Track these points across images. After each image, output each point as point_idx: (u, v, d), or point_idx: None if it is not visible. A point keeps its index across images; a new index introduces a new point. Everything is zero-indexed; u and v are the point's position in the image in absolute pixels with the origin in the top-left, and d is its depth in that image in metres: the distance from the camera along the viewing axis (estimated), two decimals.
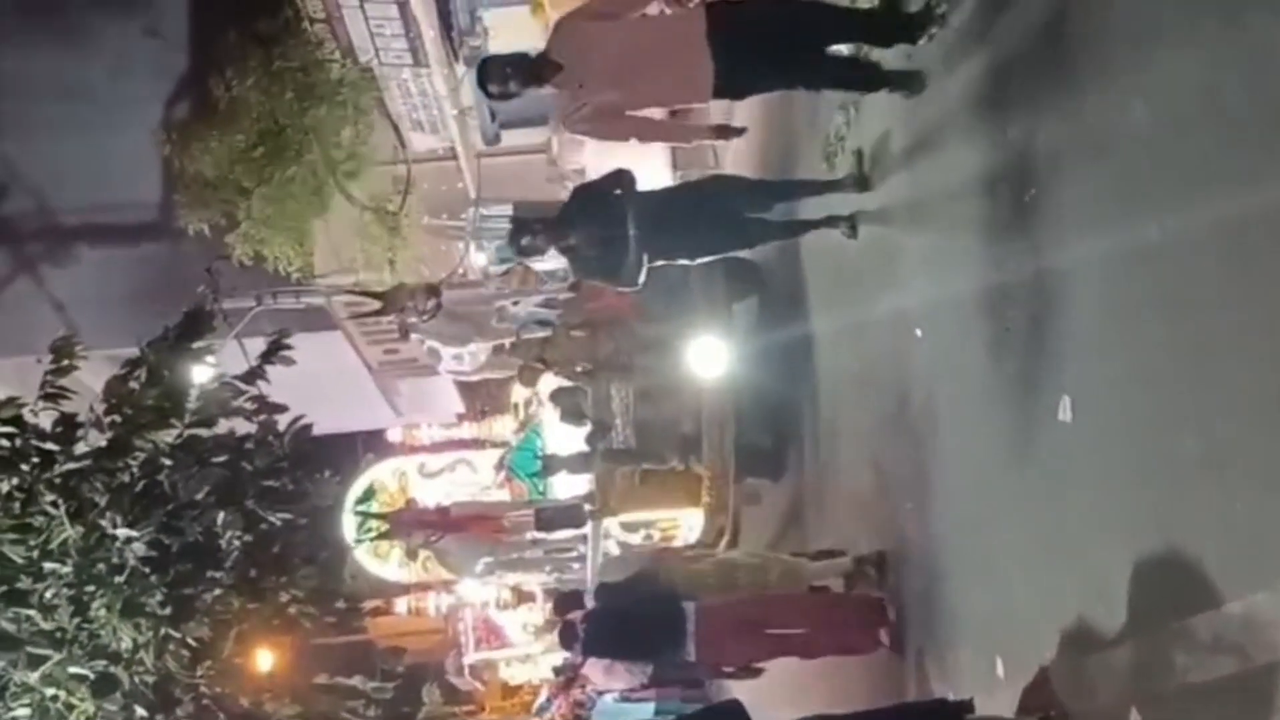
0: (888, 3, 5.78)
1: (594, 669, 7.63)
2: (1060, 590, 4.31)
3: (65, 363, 8.43)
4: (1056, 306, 4.26)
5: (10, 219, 17.15)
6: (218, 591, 8.59)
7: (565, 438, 11.29)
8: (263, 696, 9.18)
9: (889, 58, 5.76)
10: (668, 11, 7.43)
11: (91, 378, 9.35)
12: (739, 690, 7.44)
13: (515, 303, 9.95)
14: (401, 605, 17.69)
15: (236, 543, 8.60)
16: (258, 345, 9.44)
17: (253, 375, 8.92)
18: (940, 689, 5.79)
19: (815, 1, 5.70)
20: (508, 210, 13.84)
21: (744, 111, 10.63)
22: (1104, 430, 3.95)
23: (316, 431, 9.19)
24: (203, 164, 13.92)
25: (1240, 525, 3.13)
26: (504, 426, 17.34)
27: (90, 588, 8.16)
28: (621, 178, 6.56)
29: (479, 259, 15.16)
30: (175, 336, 8.89)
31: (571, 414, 9.90)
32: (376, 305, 10.50)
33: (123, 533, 8.08)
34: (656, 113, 5.99)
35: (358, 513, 13.84)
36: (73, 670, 8.12)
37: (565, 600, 8.61)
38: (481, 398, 18.68)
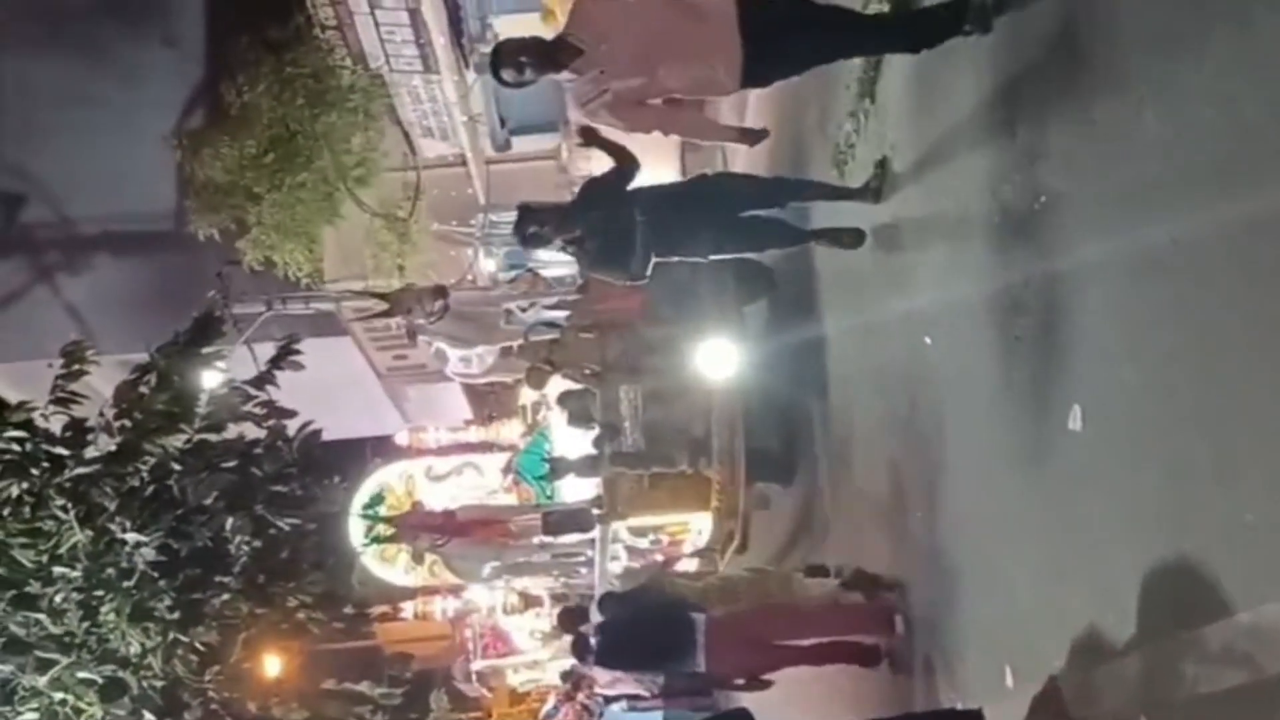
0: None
1: (599, 673, 7.65)
2: (1070, 599, 4.30)
3: (76, 367, 8.45)
4: (1067, 315, 4.25)
5: (25, 224, 17.24)
6: (226, 596, 8.60)
7: (573, 441, 11.18)
8: (270, 701, 9.18)
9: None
10: None
11: (102, 382, 9.37)
12: (748, 699, 7.44)
13: (524, 309, 9.92)
14: (408, 609, 17.63)
15: (245, 548, 8.61)
16: (267, 350, 9.46)
17: (262, 380, 8.94)
18: (949, 698, 5.77)
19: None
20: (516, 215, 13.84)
21: (753, 119, 10.64)
22: (1114, 439, 3.94)
23: (325, 437, 9.22)
24: (213, 170, 13.97)
25: (1251, 534, 3.12)
26: (512, 430, 17.31)
27: (99, 592, 8.18)
28: (629, 170, 6.42)
29: (488, 265, 15.19)
30: (185, 341, 8.91)
31: (579, 417, 9.82)
32: (383, 307, 10.48)
33: (132, 537, 8.10)
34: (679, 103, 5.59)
35: (364, 516, 13.79)
36: (81, 675, 8.14)
37: (569, 615, 8.65)
38: (490, 404, 18.69)
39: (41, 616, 8.14)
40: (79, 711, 8.22)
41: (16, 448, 8.20)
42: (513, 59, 5.19)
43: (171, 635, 8.28)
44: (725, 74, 5.04)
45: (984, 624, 5.36)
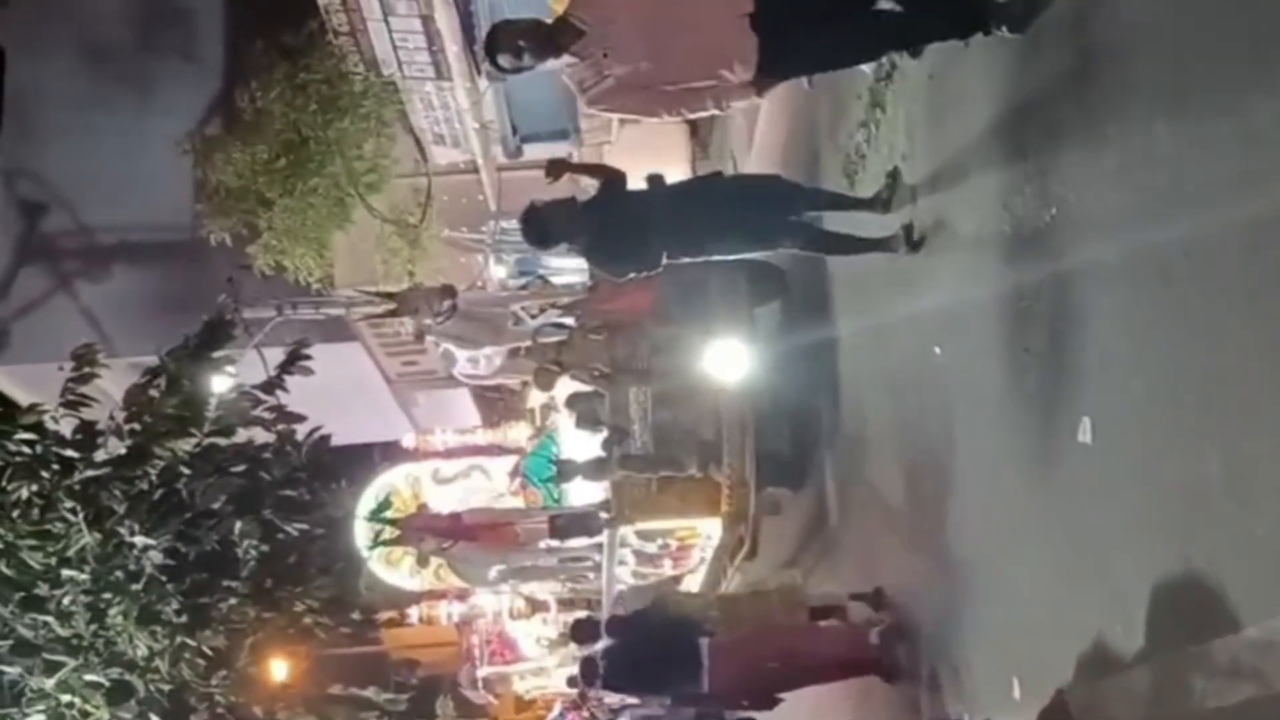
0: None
1: (608, 695, 7.69)
2: (1078, 611, 4.29)
3: (86, 370, 8.48)
4: (1077, 326, 4.24)
5: (40, 228, 17.33)
6: (233, 601, 8.62)
7: (581, 444, 10.94)
8: (276, 706, 9.19)
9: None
10: None
11: (113, 385, 9.41)
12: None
13: (534, 315, 9.88)
14: (413, 613, 17.60)
15: (253, 552, 8.62)
16: (277, 355, 9.48)
17: (271, 385, 8.96)
18: (956, 710, 5.76)
19: None
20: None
21: (764, 128, 10.66)
22: (1124, 452, 3.93)
23: (334, 442, 9.23)
24: (225, 174, 14.01)
25: (1260, 549, 3.11)
26: (519, 433, 17.27)
27: (107, 595, 8.20)
28: (616, 183, 6.19)
29: (498, 271, 15.21)
30: (195, 345, 8.94)
31: (587, 419, 9.64)
32: (390, 306, 10.42)
33: (140, 540, 8.13)
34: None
35: (370, 519, 13.74)
36: (88, 677, 8.17)
37: (582, 626, 8.69)
38: (499, 410, 18.70)
39: (49, 619, 8.16)
40: (86, 714, 8.24)
41: (27, 450, 8.23)
42: (510, 43, 4.93)
43: (179, 639, 8.30)
44: (738, 59, 4.75)
45: (991, 635, 5.34)
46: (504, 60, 4.95)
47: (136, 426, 8.57)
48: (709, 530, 10.29)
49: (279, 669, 9.28)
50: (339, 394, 13.70)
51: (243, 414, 8.82)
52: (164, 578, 8.27)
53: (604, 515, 10.31)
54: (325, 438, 9.04)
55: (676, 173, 12.38)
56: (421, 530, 12.03)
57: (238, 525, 8.50)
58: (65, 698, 8.21)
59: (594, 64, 4.90)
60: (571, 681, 13.56)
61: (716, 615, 7.78)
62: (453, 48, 14.26)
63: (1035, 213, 4.52)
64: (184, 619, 8.31)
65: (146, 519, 8.15)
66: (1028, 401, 4.72)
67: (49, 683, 8.14)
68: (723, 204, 6.26)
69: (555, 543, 11.56)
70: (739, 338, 7.91)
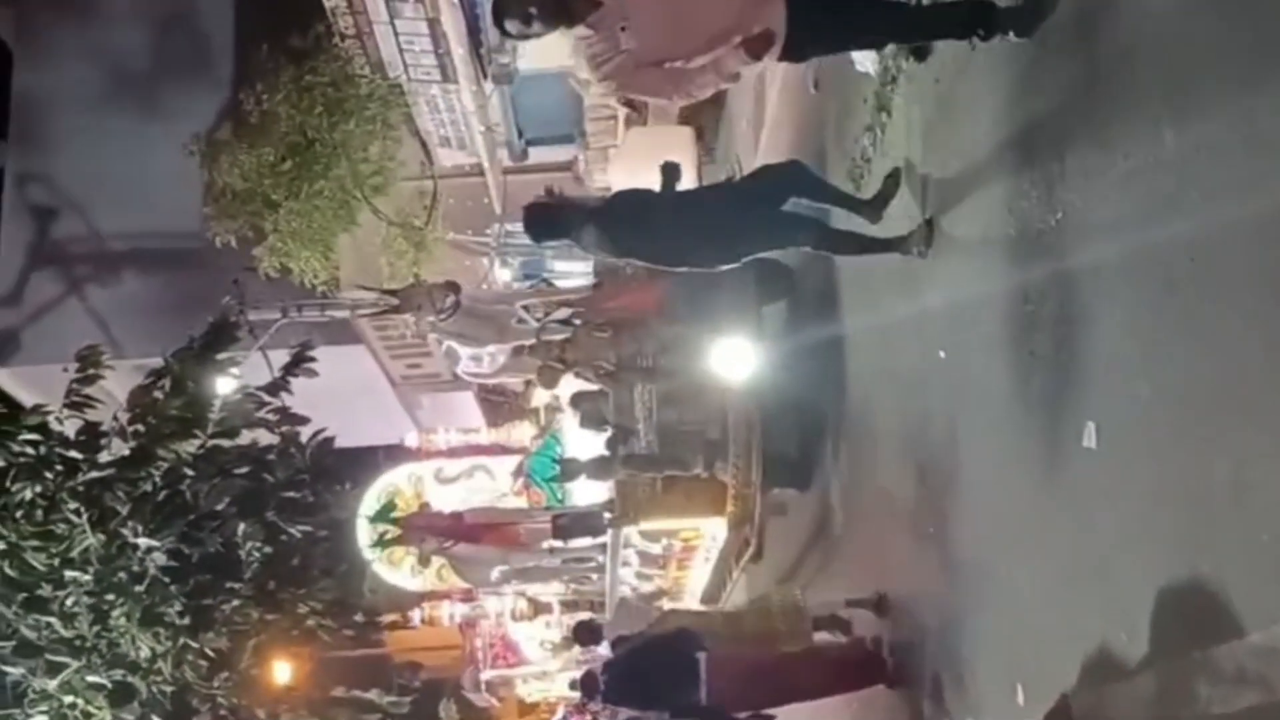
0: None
1: (609, 709, 7.74)
2: (1082, 617, 4.27)
3: (91, 371, 8.49)
4: (1082, 331, 4.23)
5: (47, 230, 17.38)
6: (236, 602, 8.63)
7: (586, 444, 10.81)
8: (279, 708, 9.20)
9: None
10: None
11: (118, 387, 9.42)
12: None
13: (539, 318, 9.80)
14: (415, 616, 17.57)
15: (256, 554, 8.63)
16: (282, 357, 9.48)
17: (276, 387, 8.96)
18: (960, 716, 5.74)
19: None
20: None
21: (771, 129, 10.65)
22: (1129, 457, 3.92)
23: (338, 444, 9.23)
24: (231, 177, 14.02)
25: (1265, 554, 3.10)
26: (523, 432, 17.22)
27: (110, 596, 8.21)
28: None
29: (503, 274, 15.21)
30: (200, 347, 8.94)
31: (592, 419, 9.52)
32: (393, 303, 10.32)
33: (143, 542, 8.14)
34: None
35: (374, 520, 13.69)
36: (91, 679, 8.18)
37: (585, 629, 8.71)
38: (503, 413, 18.68)
39: (53, 620, 8.18)
40: (88, 715, 8.26)
41: (31, 451, 8.25)
42: (519, 9, 4.65)
43: (181, 640, 8.31)
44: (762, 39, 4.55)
45: (995, 641, 5.33)
46: (511, 26, 4.72)
47: (140, 428, 8.58)
48: (714, 531, 10.10)
49: (282, 671, 9.28)
50: (343, 396, 13.70)
51: (247, 416, 8.83)
52: (167, 579, 8.28)
53: (608, 515, 10.18)
54: (329, 440, 9.05)
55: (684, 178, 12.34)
56: (423, 530, 11.92)
57: (241, 527, 8.51)
58: (68, 699, 8.22)
59: (609, 37, 4.66)
60: (574, 685, 13.56)
61: (719, 631, 7.79)
62: (459, 50, 14.28)
63: (1041, 216, 4.52)
64: (187, 620, 8.32)
65: (150, 520, 8.16)
66: (1032, 406, 4.71)
67: (52, 684, 8.15)
68: (735, 207, 6.19)
69: (558, 543, 11.46)
70: (746, 336, 7.80)
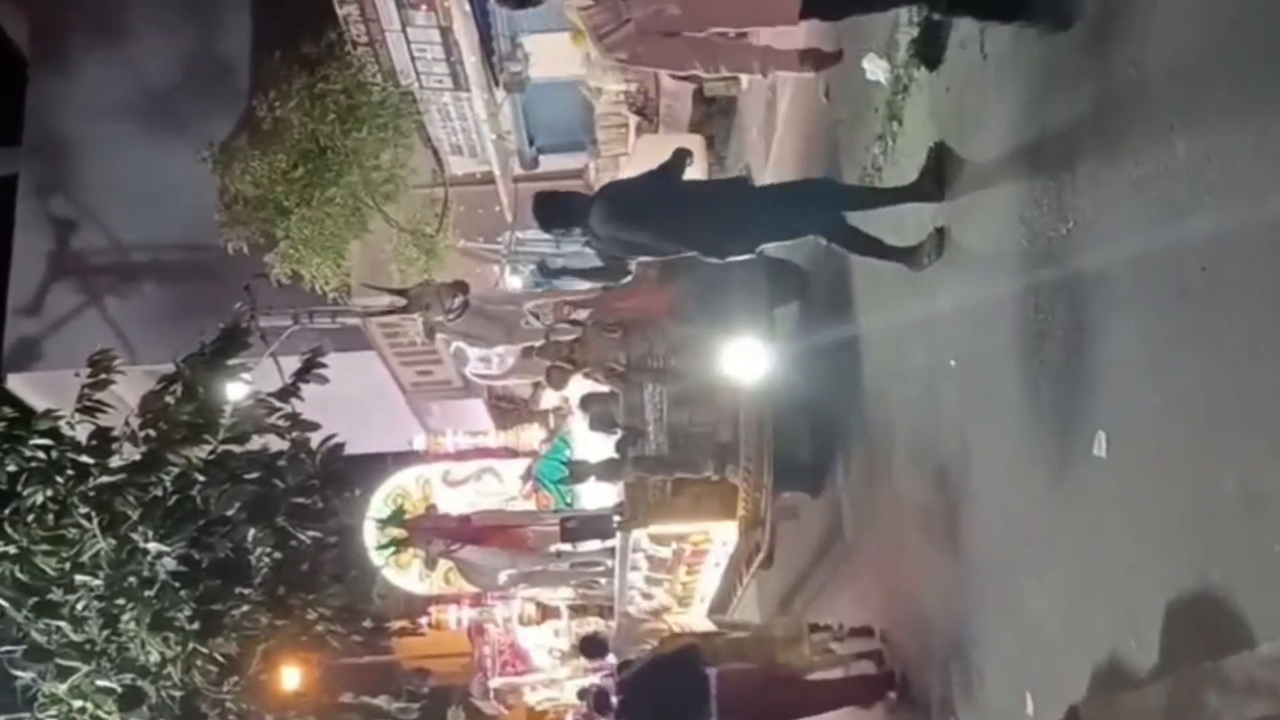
0: None
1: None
2: (1093, 626, 4.26)
3: (102, 376, 8.51)
4: (1092, 340, 4.23)
5: (62, 238, 17.47)
6: (246, 608, 8.63)
7: (595, 447, 10.62)
8: (288, 714, 9.20)
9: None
10: None
11: (130, 392, 9.44)
12: None
13: (549, 326, 9.77)
14: (424, 621, 17.52)
15: (266, 559, 8.64)
16: (293, 364, 9.49)
17: (287, 393, 8.97)
18: None
19: None
20: (544, 235, 13.82)
21: (778, 140, 10.65)
22: (1139, 467, 3.91)
23: (348, 451, 9.23)
24: (243, 184, 14.07)
25: (1276, 564, 3.09)
26: (532, 435, 17.17)
27: (120, 601, 8.22)
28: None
29: (514, 282, 15.21)
30: (211, 353, 8.96)
31: (601, 421, 9.36)
32: (401, 303, 10.27)
33: (154, 547, 8.15)
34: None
35: (383, 526, 13.68)
36: (101, 683, 8.19)
37: (591, 643, 8.72)
38: (513, 420, 18.68)
39: (63, 624, 8.19)
40: (98, 719, 8.26)
41: (42, 455, 8.27)
42: None
43: (191, 645, 8.31)
44: (780, 4, 4.37)
45: (1005, 650, 5.32)
46: None
47: (151, 433, 8.59)
48: (724, 536, 9.89)
49: (291, 676, 9.28)
50: (354, 403, 13.72)
51: (257, 421, 8.84)
52: (177, 584, 8.29)
53: (617, 518, 10.04)
54: (339, 446, 9.05)
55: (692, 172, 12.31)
56: (429, 532, 11.87)
57: (251, 532, 8.52)
58: (77, 703, 8.23)
59: (611, 7, 4.55)
60: (582, 695, 13.57)
61: (724, 652, 7.81)
62: (471, 58, 14.32)
63: (1052, 225, 4.51)
64: (196, 625, 8.32)
65: (160, 525, 8.17)
66: (1043, 414, 4.70)
67: (61, 688, 8.17)
68: (751, 197, 6.13)
69: (566, 546, 11.38)
70: (758, 337, 7.70)
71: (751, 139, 12.62)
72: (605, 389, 9.20)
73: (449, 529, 11.74)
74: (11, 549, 8.05)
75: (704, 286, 8.19)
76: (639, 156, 14.15)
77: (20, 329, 17.30)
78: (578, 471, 10.00)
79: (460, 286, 9.79)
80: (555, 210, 6.17)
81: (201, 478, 8.45)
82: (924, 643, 6.58)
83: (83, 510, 8.13)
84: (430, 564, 12.83)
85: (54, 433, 8.36)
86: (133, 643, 8.26)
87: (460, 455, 17.25)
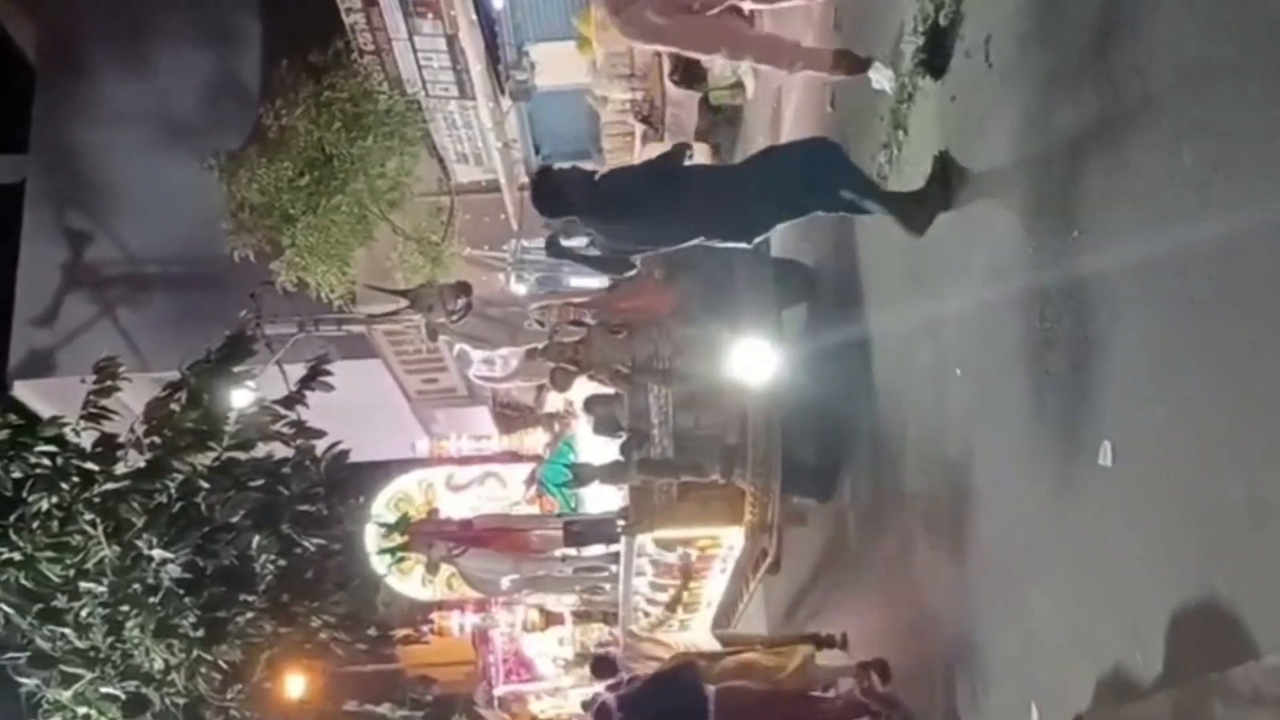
0: None
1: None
2: (1097, 637, 4.25)
3: (107, 383, 8.52)
4: (1099, 350, 4.22)
5: (71, 246, 17.52)
6: (250, 615, 8.63)
7: (600, 450, 10.26)
8: None
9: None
10: None
11: (136, 399, 9.45)
12: None
13: (554, 328, 9.72)
14: (426, 628, 17.49)
15: (270, 567, 8.64)
16: (298, 371, 9.50)
17: (291, 400, 8.98)
18: None
19: None
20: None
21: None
22: (1145, 476, 3.90)
23: (352, 459, 9.24)
24: (249, 191, 14.11)
25: None
26: (536, 440, 17.13)
27: (125, 607, 8.22)
28: (680, 151, 5.94)
29: (519, 290, 15.23)
30: (216, 360, 8.97)
31: (605, 424, 9.12)
32: (404, 303, 10.21)
33: (158, 554, 8.15)
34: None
35: (382, 525, 13.63)
36: (105, 690, 8.19)
37: (602, 664, 8.72)
38: (517, 427, 18.69)
39: (67, 631, 8.19)
40: None
41: (47, 462, 8.28)
42: None
43: (195, 652, 8.32)
44: None
45: (1010, 660, 5.30)
46: None
47: (156, 440, 8.60)
48: (731, 540, 9.65)
49: (294, 684, 9.28)
50: (359, 411, 13.73)
51: (262, 429, 8.85)
52: (181, 591, 8.29)
53: (621, 522, 9.87)
54: (344, 453, 9.06)
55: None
56: (431, 536, 11.81)
57: (255, 539, 8.52)
58: (81, 710, 8.23)
59: None
60: (587, 705, 13.52)
61: (728, 673, 7.81)
62: (477, 67, 14.36)
63: (1057, 234, 4.51)
64: (201, 633, 8.33)
65: (165, 532, 8.17)
66: (1048, 424, 4.69)
67: (66, 694, 8.17)
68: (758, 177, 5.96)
69: (570, 551, 11.29)
70: (766, 338, 7.60)
71: (757, 148, 12.62)
72: (610, 391, 8.99)
73: (450, 532, 11.68)
74: (16, 555, 8.06)
75: (710, 287, 8.11)
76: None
77: (25, 334, 17.35)
78: (582, 475, 9.79)
79: (463, 288, 9.72)
80: (552, 197, 5.94)
81: (206, 485, 8.46)
82: (928, 652, 6.57)
83: (87, 517, 8.13)
84: (432, 569, 12.74)
85: (59, 439, 8.38)
86: (137, 649, 8.26)
87: (464, 460, 17.23)
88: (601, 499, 11.78)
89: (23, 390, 16.71)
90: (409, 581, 15.61)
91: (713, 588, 11.07)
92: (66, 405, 9.76)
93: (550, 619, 16.25)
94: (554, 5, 15.31)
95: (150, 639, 8.17)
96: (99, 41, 17.76)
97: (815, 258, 8.80)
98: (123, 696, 8.26)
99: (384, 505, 15.79)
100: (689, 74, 12.82)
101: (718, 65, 12.21)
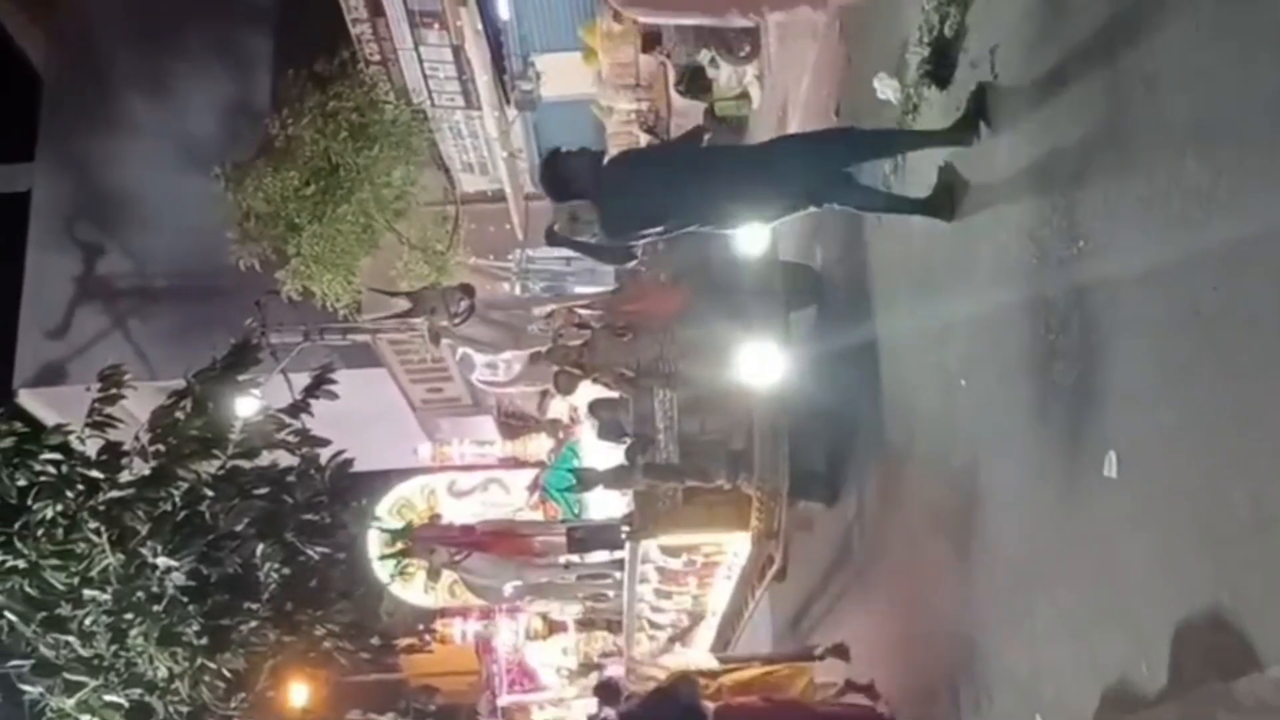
0: None
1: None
2: (1102, 648, 4.24)
3: (112, 391, 8.52)
4: (1104, 360, 4.21)
5: (79, 255, 17.56)
6: (254, 623, 8.61)
7: (604, 455, 10.22)
8: None
9: None
10: None
11: (141, 407, 9.45)
12: None
13: (558, 331, 9.67)
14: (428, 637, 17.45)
15: (274, 575, 8.62)
16: (303, 380, 9.50)
17: (296, 409, 8.97)
18: None
19: None
20: (553, 253, 13.83)
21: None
22: (1150, 487, 3.90)
23: (357, 467, 9.23)
24: (255, 200, 14.13)
25: None
26: (539, 445, 17.11)
27: (129, 616, 8.21)
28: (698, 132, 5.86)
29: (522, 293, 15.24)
30: (222, 369, 8.96)
31: (610, 429, 9.07)
32: (406, 306, 10.09)
33: (163, 562, 8.14)
34: None
35: (382, 530, 13.60)
36: (108, 698, 8.17)
37: (606, 689, 8.74)
38: (521, 434, 18.69)
39: (71, 639, 8.18)
40: None
41: (52, 470, 8.27)
42: None
43: (199, 661, 8.30)
44: None
45: (1015, 671, 5.29)
46: None
47: (161, 448, 8.59)
48: (736, 547, 9.62)
49: (298, 693, 9.26)
50: (363, 420, 13.73)
51: (267, 437, 8.83)
52: (185, 599, 8.28)
53: (625, 528, 9.72)
54: (348, 462, 9.05)
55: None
56: (433, 540, 11.74)
57: (260, 548, 8.50)
58: (85, 718, 8.22)
59: None
60: (591, 718, 13.49)
61: (725, 691, 7.82)
62: (482, 77, 14.40)
63: (1063, 244, 4.51)
64: (204, 641, 8.31)
65: (169, 540, 8.16)
66: (1053, 434, 4.69)
67: (69, 702, 8.15)
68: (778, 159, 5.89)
69: (574, 557, 11.20)
70: (773, 342, 7.51)
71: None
72: (614, 394, 8.96)
73: (453, 537, 11.62)
74: (20, 563, 8.05)
75: (716, 289, 8.05)
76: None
77: (31, 343, 17.38)
78: (586, 479, 9.76)
79: (466, 290, 9.66)
80: (561, 181, 5.83)
81: (210, 493, 8.45)
82: (932, 662, 6.55)
83: (92, 525, 8.12)
84: (434, 575, 12.67)
85: (64, 447, 8.37)
86: (141, 658, 8.25)
87: (466, 466, 17.22)
88: (605, 505, 11.70)
89: (28, 399, 16.73)
90: (412, 589, 15.58)
91: (717, 595, 10.98)
92: (71, 413, 9.76)
93: (553, 627, 16.22)
94: (560, 16, 15.35)
95: (154, 647, 8.16)
96: (106, 51, 17.82)
97: (822, 262, 8.79)
98: (126, 704, 8.24)
99: (387, 511, 15.76)
100: (694, 84, 12.85)
101: (723, 76, 12.23)
